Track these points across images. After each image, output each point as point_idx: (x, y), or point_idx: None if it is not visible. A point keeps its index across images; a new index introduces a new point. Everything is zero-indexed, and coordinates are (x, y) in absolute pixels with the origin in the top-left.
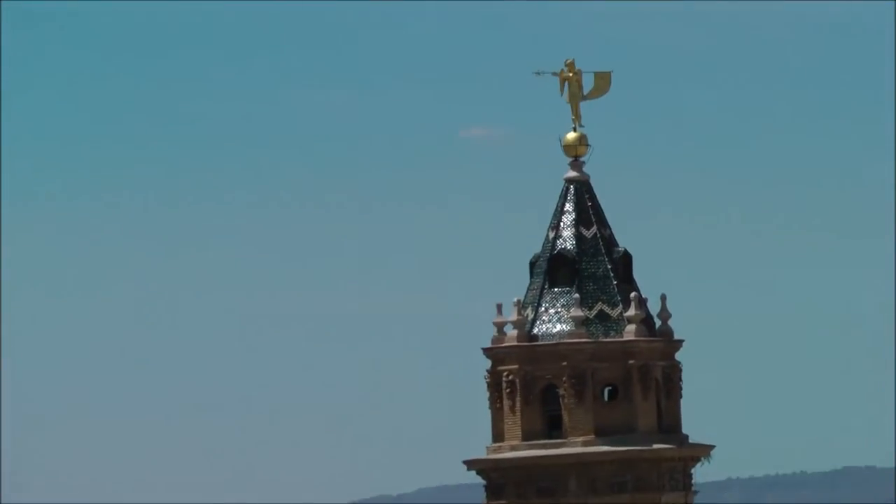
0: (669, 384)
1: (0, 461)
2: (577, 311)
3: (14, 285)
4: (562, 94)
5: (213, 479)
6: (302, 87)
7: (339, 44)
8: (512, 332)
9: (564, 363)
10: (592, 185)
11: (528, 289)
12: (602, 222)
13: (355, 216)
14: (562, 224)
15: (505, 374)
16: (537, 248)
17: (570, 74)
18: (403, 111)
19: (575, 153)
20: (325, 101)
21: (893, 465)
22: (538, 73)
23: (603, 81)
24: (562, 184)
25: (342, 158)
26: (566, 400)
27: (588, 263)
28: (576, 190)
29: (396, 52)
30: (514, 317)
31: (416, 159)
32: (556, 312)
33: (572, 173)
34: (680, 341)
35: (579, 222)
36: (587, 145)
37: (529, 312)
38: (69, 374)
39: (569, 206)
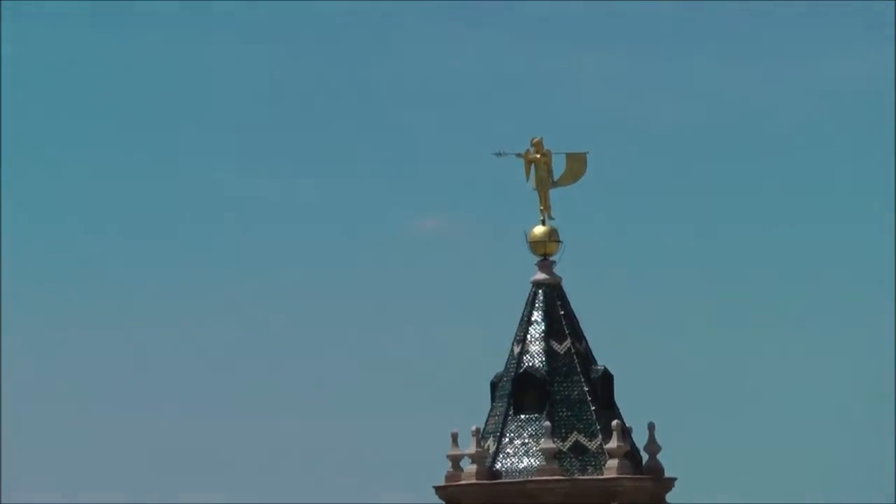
0: None
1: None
2: (547, 443)
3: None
4: (528, 180)
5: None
6: (226, 171)
7: (267, 127)
8: (470, 468)
9: None
10: (565, 289)
11: (489, 415)
12: (577, 335)
13: (283, 320)
14: (529, 337)
15: None
16: (499, 366)
17: (538, 156)
18: (344, 199)
19: (544, 251)
20: (248, 188)
21: None
22: (499, 154)
23: (577, 164)
24: (528, 288)
25: (269, 255)
26: None
27: (560, 385)
28: (545, 295)
29: (337, 131)
30: (472, 449)
31: (356, 255)
32: (523, 444)
33: (541, 275)
34: (671, 480)
35: (550, 335)
36: (558, 241)
37: (491, 443)
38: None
39: (537, 315)
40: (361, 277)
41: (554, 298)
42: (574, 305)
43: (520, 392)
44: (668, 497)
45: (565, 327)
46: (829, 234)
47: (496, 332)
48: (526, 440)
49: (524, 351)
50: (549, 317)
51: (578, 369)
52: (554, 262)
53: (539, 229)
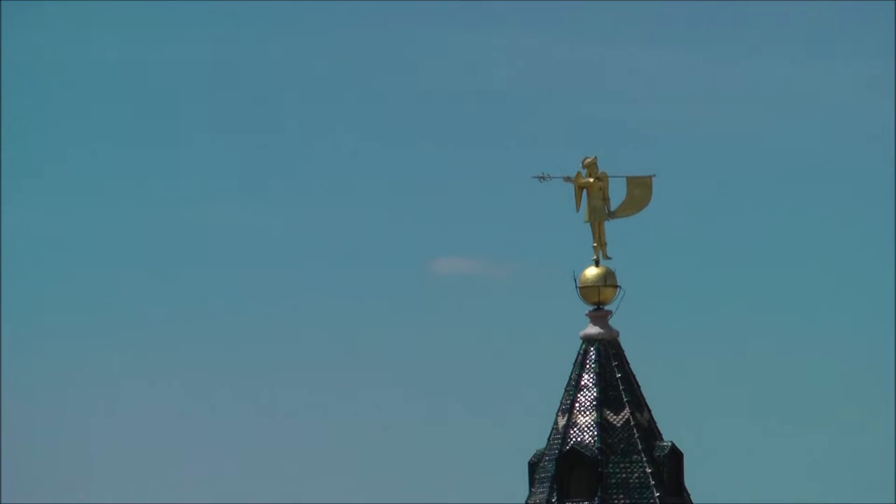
0: None
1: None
2: None
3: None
4: (578, 210)
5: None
6: (226, 204)
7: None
8: None
9: None
10: (623, 346)
11: (528, 502)
12: (638, 403)
13: (278, 382)
14: (577, 405)
15: None
16: (540, 443)
17: (591, 180)
18: (341, 234)
19: (597, 299)
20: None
21: None
22: (542, 178)
23: (640, 190)
24: (578, 344)
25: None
26: None
27: (617, 465)
28: (599, 354)
29: (337, 149)
30: None
31: (359, 303)
32: None
33: (594, 329)
34: None
35: (603, 403)
36: (615, 286)
37: None
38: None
39: (588, 379)
40: (366, 333)
41: (609, 358)
42: (635, 367)
43: (566, 474)
44: None
45: (623, 394)
46: None
47: (536, 399)
48: None
49: (571, 423)
50: (602, 381)
51: (639, 446)
52: (610, 313)
53: (591, 272)
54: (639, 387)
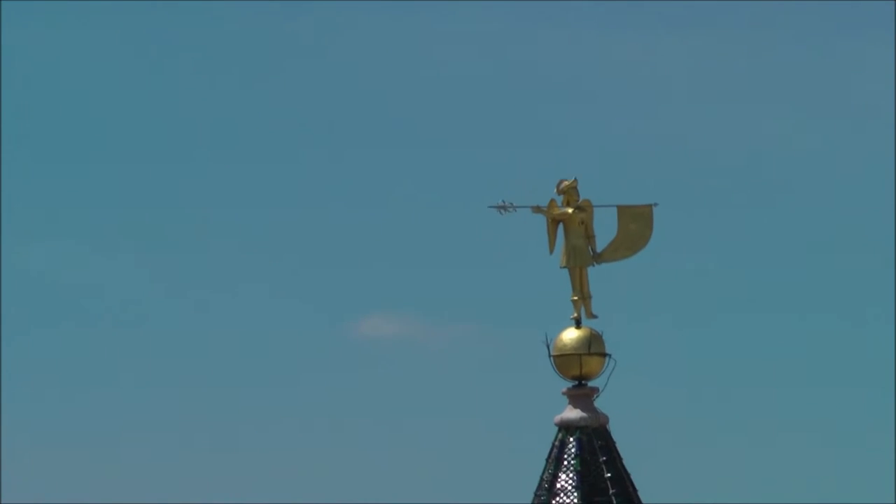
0: None
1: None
2: None
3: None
4: (551, 252)
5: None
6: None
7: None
8: None
9: None
10: (614, 436)
11: None
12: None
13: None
14: None
15: None
16: None
17: (569, 210)
18: (250, 294)
19: (579, 372)
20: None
21: None
22: (502, 208)
23: (637, 224)
24: (552, 434)
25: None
26: None
27: None
28: (580, 446)
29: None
30: None
31: (276, 373)
32: None
33: (574, 413)
34: None
35: None
36: (604, 355)
37: None
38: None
39: (566, 480)
40: (271, 414)
41: (595, 451)
42: (630, 463)
43: None
44: None
45: (614, 499)
46: None
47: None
48: None
49: None
50: (586, 483)
51: None
52: (597, 391)
53: (570, 335)
54: (635, 490)
